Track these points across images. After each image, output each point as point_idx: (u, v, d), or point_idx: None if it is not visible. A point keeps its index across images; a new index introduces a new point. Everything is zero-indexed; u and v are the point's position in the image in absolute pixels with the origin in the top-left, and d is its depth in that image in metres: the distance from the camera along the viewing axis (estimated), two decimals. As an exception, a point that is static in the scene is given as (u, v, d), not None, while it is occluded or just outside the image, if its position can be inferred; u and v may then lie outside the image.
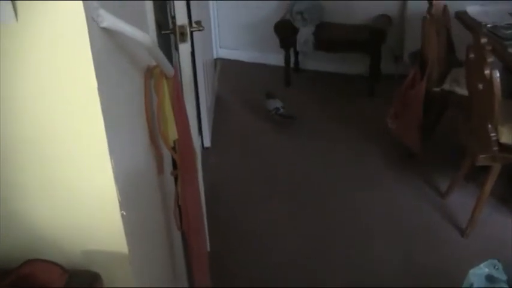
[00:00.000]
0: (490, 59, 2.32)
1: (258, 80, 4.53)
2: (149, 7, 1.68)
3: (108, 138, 1.03)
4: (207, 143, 3.56)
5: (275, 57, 4.58)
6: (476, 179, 2.92)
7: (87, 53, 0.95)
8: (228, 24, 4.90)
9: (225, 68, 4.83)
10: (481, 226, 2.67)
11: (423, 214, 2.88)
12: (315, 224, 2.86)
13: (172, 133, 1.56)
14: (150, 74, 1.48)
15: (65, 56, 0.96)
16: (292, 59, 4.48)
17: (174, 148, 1.62)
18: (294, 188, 3.17)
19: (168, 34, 2.22)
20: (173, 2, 2.07)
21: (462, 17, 3.22)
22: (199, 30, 2.25)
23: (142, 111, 1.44)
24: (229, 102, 4.26)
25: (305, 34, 4.16)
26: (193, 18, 2.66)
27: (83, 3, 0.91)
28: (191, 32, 2.16)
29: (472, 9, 3.21)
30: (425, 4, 3.10)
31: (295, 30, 4.19)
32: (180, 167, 1.67)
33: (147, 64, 1.49)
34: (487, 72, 2.32)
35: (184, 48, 2.13)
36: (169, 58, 2.25)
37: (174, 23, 2.09)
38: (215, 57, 4.91)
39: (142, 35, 1.21)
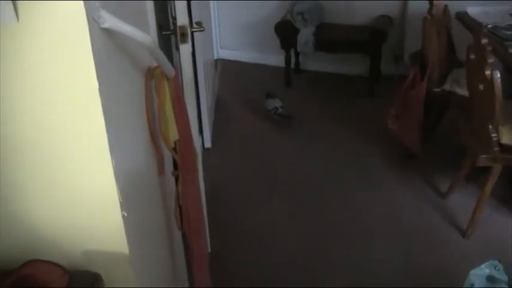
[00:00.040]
0: (491, 60, 2.32)
1: (258, 81, 4.54)
2: (150, 8, 1.68)
3: (109, 138, 1.03)
4: (208, 143, 3.56)
5: (275, 58, 4.58)
6: (476, 180, 2.92)
7: (88, 53, 0.95)
8: (228, 24, 4.90)
9: (226, 69, 4.83)
10: (481, 227, 2.67)
11: (423, 214, 2.88)
12: (315, 224, 2.86)
13: (173, 134, 1.56)
14: (151, 74, 1.48)
15: (66, 56, 0.96)
16: (292, 60, 4.48)
17: (174, 149, 1.63)
18: (294, 188, 3.17)
19: (168, 35, 2.22)
20: (174, 3, 2.07)
21: (463, 18, 3.22)
22: (200, 31, 2.25)
23: (143, 112, 1.44)
24: (229, 102, 4.26)
25: (305, 35, 4.16)
26: (194, 19, 2.67)
27: (84, 3, 0.91)
28: (192, 33, 2.16)
29: (473, 10, 3.21)
30: (426, 4, 3.10)
31: (295, 31, 4.19)
32: (181, 167, 1.67)
33: (148, 65, 1.49)
34: (487, 72, 2.32)
35: (185, 49, 2.13)
36: (170, 59, 2.25)
37: (174, 24, 2.09)
38: (216, 57, 4.91)
39: (143, 35, 1.21)
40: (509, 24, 2.93)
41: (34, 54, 0.95)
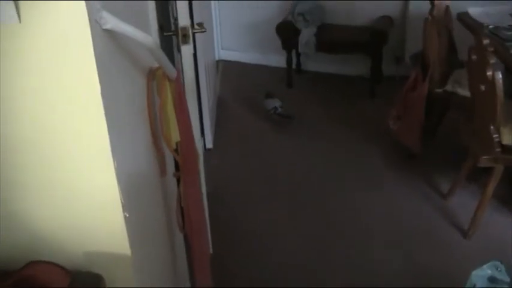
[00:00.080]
0: (492, 61, 2.32)
1: (260, 82, 4.53)
2: (151, 9, 1.68)
3: (110, 139, 1.03)
4: (209, 144, 3.56)
5: (277, 59, 4.58)
6: (478, 180, 2.91)
7: (89, 54, 0.95)
8: (230, 25, 4.90)
9: (227, 70, 4.83)
10: (483, 227, 2.67)
11: (424, 215, 2.88)
12: (315, 224, 2.86)
13: (175, 135, 1.56)
14: (152, 75, 1.48)
15: (68, 57, 0.95)
16: (294, 60, 4.48)
17: (176, 150, 1.63)
18: (294, 188, 3.17)
19: (170, 36, 2.22)
20: (175, 4, 2.07)
21: (464, 18, 3.22)
22: (201, 32, 2.25)
23: (145, 113, 1.44)
24: (231, 103, 4.26)
25: (307, 35, 4.16)
26: (196, 20, 2.66)
27: (86, 3, 0.91)
28: (193, 34, 2.16)
29: (474, 11, 3.21)
30: (427, 5, 3.10)
31: (297, 32, 4.19)
32: (183, 168, 1.67)
33: (150, 66, 1.49)
34: (489, 73, 2.32)
35: (186, 50, 2.13)
36: (172, 60, 2.25)
37: (176, 25, 2.09)
38: (217, 58, 4.91)
39: (145, 36, 1.21)
40: (510, 25, 2.93)
41: (35, 55, 0.95)
